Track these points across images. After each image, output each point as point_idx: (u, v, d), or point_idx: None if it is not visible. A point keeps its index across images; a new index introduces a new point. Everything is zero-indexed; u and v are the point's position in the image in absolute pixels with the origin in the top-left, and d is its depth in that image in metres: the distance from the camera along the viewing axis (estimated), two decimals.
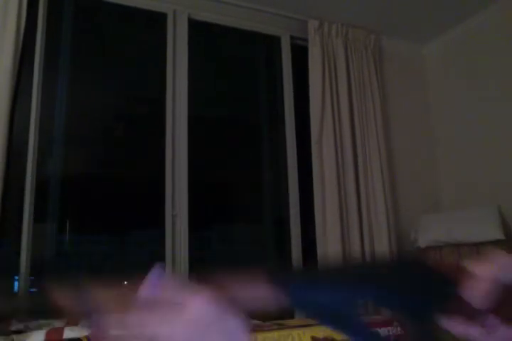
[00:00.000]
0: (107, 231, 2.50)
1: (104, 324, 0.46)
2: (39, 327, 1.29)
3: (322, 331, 0.84)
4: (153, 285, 0.46)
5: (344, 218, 2.66)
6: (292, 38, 2.97)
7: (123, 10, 2.57)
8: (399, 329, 0.87)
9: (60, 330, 1.18)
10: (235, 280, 0.51)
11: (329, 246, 2.58)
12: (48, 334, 1.14)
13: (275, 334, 0.79)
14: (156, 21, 2.65)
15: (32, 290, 2.15)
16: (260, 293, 0.50)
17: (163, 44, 2.62)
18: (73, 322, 1.27)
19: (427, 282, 0.48)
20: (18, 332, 1.25)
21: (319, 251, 2.60)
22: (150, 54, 2.73)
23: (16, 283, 2.09)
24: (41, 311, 0.58)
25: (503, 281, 0.46)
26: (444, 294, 0.47)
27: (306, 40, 2.88)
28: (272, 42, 2.98)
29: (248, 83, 3.07)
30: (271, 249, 2.91)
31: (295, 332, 0.80)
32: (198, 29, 2.73)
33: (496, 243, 2.38)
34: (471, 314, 0.46)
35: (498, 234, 2.39)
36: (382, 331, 0.88)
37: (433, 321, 0.49)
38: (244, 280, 0.51)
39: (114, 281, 0.50)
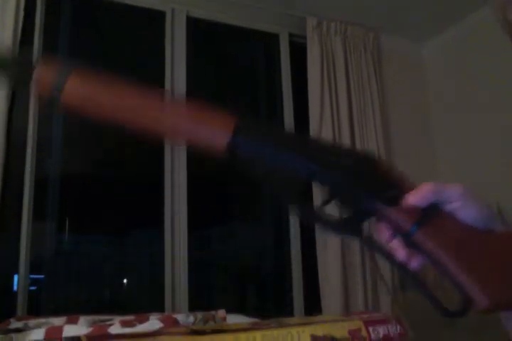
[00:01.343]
0: (106, 231, 2.50)
1: None
2: (38, 326, 1.29)
3: (322, 329, 0.83)
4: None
5: None
6: (291, 35, 2.97)
7: (121, 8, 2.57)
8: (398, 327, 0.86)
9: (60, 329, 1.17)
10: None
11: (329, 245, 2.58)
12: (47, 332, 1.14)
13: (274, 332, 0.79)
14: (155, 19, 2.65)
15: (32, 288, 2.15)
16: (215, 135, 0.50)
17: (161, 41, 2.61)
18: (73, 321, 1.27)
19: (373, 179, 0.50)
20: (17, 330, 1.24)
21: (318, 249, 2.60)
22: (148, 51, 2.72)
23: (15, 282, 2.09)
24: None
25: (435, 200, 0.47)
26: (386, 195, 0.48)
27: (304, 37, 2.88)
28: (270, 40, 2.97)
29: (246, 80, 3.06)
30: (270, 249, 2.91)
31: (294, 330, 0.80)
32: (196, 27, 2.73)
33: None
34: (400, 224, 0.47)
35: None
36: (382, 329, 0.87)
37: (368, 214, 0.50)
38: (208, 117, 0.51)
39: None
